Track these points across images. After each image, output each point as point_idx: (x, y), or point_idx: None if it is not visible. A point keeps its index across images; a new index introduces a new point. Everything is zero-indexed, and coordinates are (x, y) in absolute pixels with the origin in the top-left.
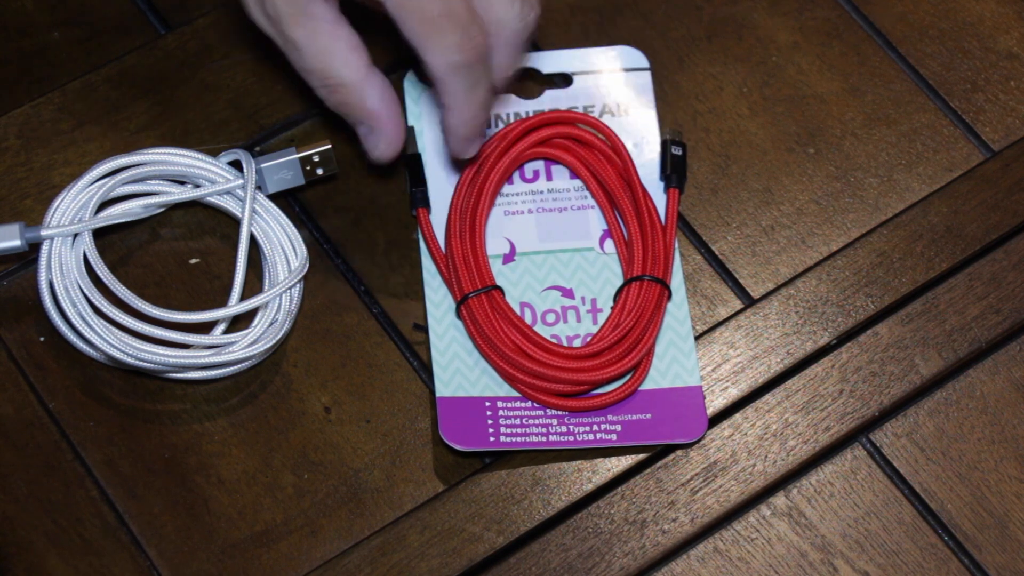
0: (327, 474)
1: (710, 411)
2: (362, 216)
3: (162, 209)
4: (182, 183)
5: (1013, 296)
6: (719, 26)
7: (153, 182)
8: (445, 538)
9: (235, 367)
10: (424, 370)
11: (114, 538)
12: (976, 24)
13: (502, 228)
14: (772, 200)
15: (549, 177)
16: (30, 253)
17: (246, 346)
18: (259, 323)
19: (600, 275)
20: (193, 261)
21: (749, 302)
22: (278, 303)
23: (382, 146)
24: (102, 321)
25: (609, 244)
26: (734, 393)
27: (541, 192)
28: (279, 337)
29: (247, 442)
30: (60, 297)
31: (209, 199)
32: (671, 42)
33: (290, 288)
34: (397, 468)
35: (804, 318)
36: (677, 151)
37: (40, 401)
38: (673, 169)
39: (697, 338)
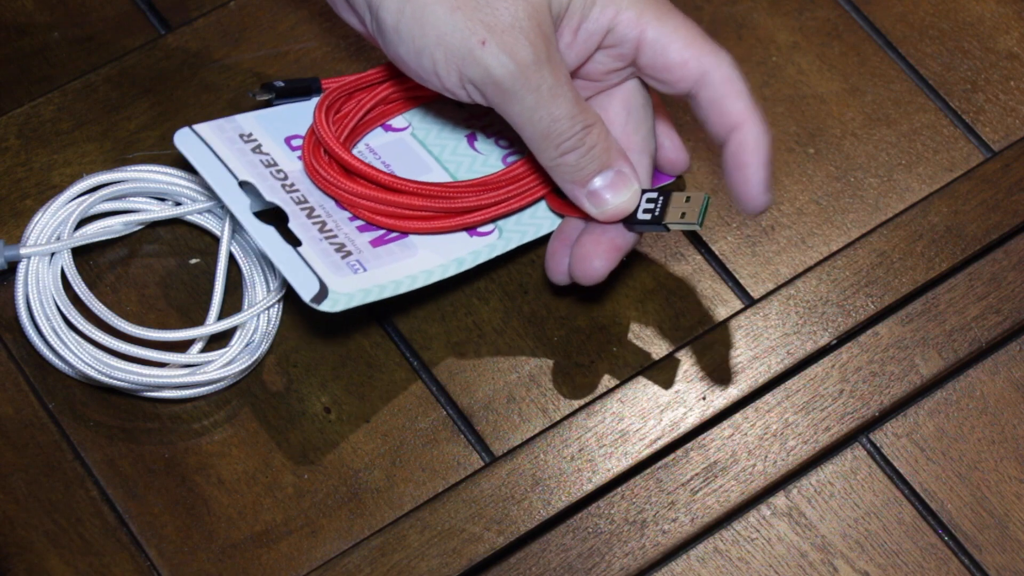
0: (327, 474)
1: (710, 411)
2: None
3: (142, 226)
4: (163, 200)
5: (1013, 296)
6: (719, 26)
7: (134, 199)
8: (445, 538)
9: (210, 387)
10: (424, 370)
11: (114, 538)
12: (976, 24)
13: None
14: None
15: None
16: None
17: (222, 366)
18: (236, 343)
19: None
20: (194, 261)
21: (749, 302)
22: (255, 324)
23: (629, 190)
24: (76, 338)
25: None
26: (734, 393)
27: None
28: (256, 358)
29: (247, 442)
30: (36, 314)
31: (189, 217)
32: None
33: (268, 309)
34: (397, 468)
35: (804, 318)
36: None
37: (40, 401)
38: None
39: (697, 338)
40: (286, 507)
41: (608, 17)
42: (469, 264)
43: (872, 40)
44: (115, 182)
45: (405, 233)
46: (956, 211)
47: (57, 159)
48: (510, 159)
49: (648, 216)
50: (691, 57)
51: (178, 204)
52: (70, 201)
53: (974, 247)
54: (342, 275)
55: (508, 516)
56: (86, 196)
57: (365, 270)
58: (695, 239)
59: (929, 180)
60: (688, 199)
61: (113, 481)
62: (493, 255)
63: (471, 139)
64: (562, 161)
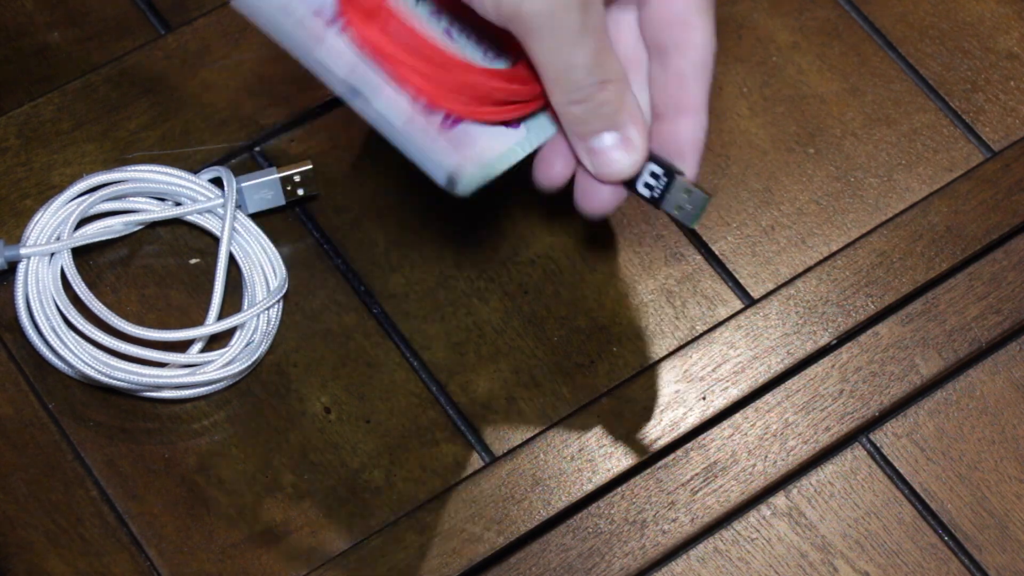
0: (327, 474)
1: (710, 411)
2: (362, 216)
3: (142, 226)
4: (163, 200)
5: (1013, 296)
6: (719, 26)
7: (134, 199)
8: (445, 538)
9: (210, 387)
10: (424, 370)
11: (114, 538)
12: (976, 24)
13: None
14: (772, 200)
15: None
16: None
17: (221, 366)
18: (236, 343)
19: None
20: (194, 261)
21: (749, 302)
22: (255, 324)
23: (629, 157)
24: (76, 338)
25: None
26: (734, 393)
27: None
28: (256, 358)
29: (247, 442)
30: (36, 314)
31: (190, 217)
32: None
33: (268, 309)
34: (397, 468)
35: (804, 318)
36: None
37: (40, 401)
38: None
39: (697, 338)
40: (286, 507)
41: None
42: (532, 145)
43: (872, 40)
44: (115, 182)
45: (459, 120)
46: (956, 211)
47: (57, 159)
48: (497, 62)
49: (647, 193)
50: (692, 27)
51: (178, 204)
52: (70, 201)
53: (974, 247)
54: (458, 149)
55: (508, 516)
56: (86, 196)
57: (475, 140)
58: (695, 238)
59: (929, 180)
60: (689, 193)
61: (113, 481)
62: (544, 137)
63: (448, 33)
64: (568, 110)
